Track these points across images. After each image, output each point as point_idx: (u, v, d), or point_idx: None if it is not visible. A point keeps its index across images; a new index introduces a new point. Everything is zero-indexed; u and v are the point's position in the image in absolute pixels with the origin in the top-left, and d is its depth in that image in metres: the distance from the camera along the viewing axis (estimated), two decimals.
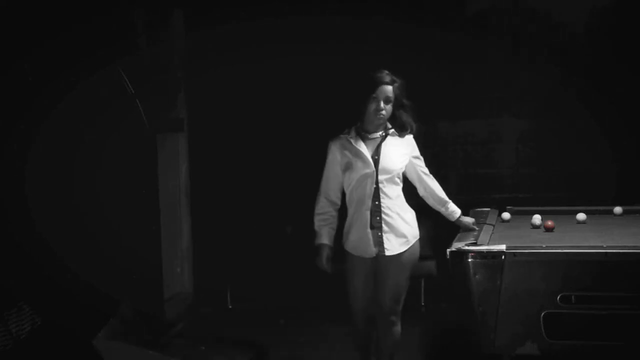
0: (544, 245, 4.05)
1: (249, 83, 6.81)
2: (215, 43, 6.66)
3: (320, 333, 5.88)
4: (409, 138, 4.44)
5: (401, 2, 6.82)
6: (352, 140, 4.35)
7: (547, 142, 6.93)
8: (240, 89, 6.84)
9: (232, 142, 6.87)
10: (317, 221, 4.47)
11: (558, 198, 6.50)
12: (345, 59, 6.72)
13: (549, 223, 4.63)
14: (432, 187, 4.50)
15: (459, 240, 4.19)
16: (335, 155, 4.39)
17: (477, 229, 4.53)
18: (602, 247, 3.97)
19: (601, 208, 5.29)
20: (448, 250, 4.03)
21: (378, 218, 4.30)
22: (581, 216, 4.93)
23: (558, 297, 3.90)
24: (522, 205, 5.56)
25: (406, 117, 4.37)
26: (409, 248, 4.37)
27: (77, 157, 5.12)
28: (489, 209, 5.28)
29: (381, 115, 4.27)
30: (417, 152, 4.49)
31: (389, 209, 4.32)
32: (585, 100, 6.66)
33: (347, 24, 6.78)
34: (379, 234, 4.31)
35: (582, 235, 4.48)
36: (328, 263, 4.36)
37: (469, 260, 3.92)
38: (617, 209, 5.22)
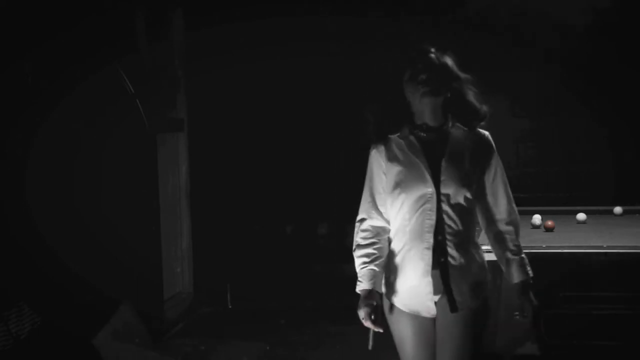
0: (544, 245, 4.05)
1: (249, 83, 6.81)
2: (215, 43, 6.66)
3: (320, 333, 5.87)
4: (483, 135, 3.14)
5: (400, 1, 6.83)
6: (405, 143, 3.05)
7: (547, 142, 6.94)
8: (240, 89, 6.84)
9: (232, 142, 6.87)
10: (359, 257, 3.09)
11: (558, 198, 6.50)
12: (345, 58, 6.73)
13: (549, 223, 4.63)
14: (501, 229, 3.10)
15: None
16: (379, 163, 3.08)
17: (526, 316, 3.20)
18: (602, 247, 3.97)
19: (601, 208, 5.28)
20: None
21: (443, 259, 2.99)
22: (581, 216, 4.93)
23: (558, 297, 3.90)
24: (522, 205, 5.55)
25: (472, 96, 3.08)
26: (483, 299, 3.09)
27: (77, 157, 5.12)
28: None
29: (425, 82, 2.97)
30: (492, 159, 3.11)
31: (458, 245, 3.00)
32: (585, 100, 6.66)
33: (347, 24, 6.78)
34: (446, 282, 3.00)
35: (582, 235, 4.47)
36: (377, 316, 3.01)
37: None
38: (617, 209, 5.22)
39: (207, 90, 6.77)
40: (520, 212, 5.42)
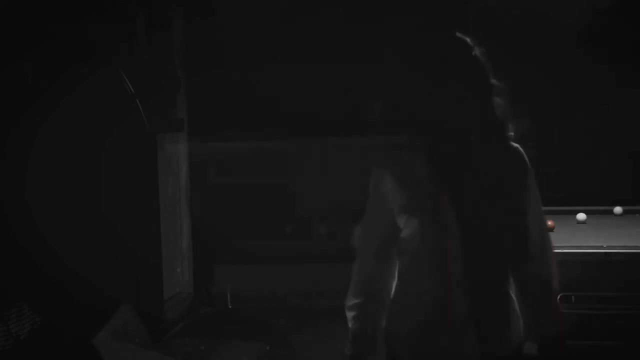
0: None
1: (249, 83, 6.80)
2: (216, 43, 6.65)
3: (320, 333, 5.87)
4: (514, 150, 2.64)
5: (399, 1, 6.83)
6: (415, 155, 2.45)
7: (547, 142, 6.93)
8: (240, 89, 6.83)
9: (231, 142, 6.87)
10: (364, 298, 2.68)
11: (558, 198, 6.50)
12: (345, 59, 6.73)
13: (549, 223, 4.63)
14: (524, 265, 2.54)
15: None
16: (385, 185, 2.48)
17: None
18: (602, 247, 3.97)
19: (601, 208, 5.28)
20: None
21: (468, 295, 2.43)
22: (581, 216, 4.93)
23: (558, 297, 3.90)
24: None
25: (499, 109, 2.57)
26: (514, 346, 2.68)
27: (77, 157, 5.12)
28: None
29: (455, 88, 2.44)
30: (524, 178, 2.59)
31: (486, 279, 2.46)
32: (585, 100, 6.66)
33: (347, 24, 6.78)
34: (475, 318, 2.46)
35: (582, 235, 4.47)
36: None
37: None
38: (617, 209, 5.22)
39: (207, 90, 6.77)
40: None
